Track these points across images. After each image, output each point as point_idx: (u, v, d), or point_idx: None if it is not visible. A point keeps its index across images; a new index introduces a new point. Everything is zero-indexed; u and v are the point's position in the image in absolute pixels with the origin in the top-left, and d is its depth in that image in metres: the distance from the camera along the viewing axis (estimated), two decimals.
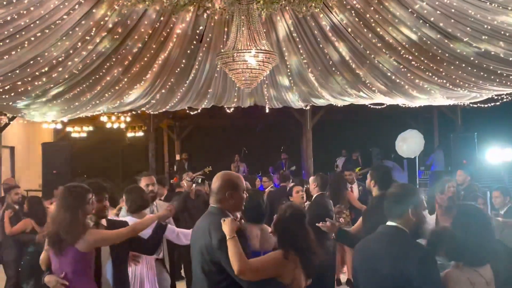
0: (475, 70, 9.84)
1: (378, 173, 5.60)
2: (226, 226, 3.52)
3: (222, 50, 8.79)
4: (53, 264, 4.27)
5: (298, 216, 3.79)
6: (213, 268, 3.59)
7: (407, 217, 3.39)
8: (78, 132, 19.62)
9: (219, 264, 3.55)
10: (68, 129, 19.18)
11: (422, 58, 9.88)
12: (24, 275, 7.42)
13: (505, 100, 12.82)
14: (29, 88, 9.69)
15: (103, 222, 4.67)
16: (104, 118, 17.98)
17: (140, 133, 20.05)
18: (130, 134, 20.29)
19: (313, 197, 7.60)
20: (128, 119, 18.30)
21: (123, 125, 18.92)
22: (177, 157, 19.67)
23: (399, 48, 9.71)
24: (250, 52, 8.60)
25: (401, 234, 3.39)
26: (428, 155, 18.32)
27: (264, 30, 9.59)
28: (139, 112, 14.86)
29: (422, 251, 3.27)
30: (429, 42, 9.19)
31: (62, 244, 4.15)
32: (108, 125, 18.38)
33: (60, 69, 9.42)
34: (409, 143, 14.09)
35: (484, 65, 9.47)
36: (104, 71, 10.09)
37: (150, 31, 9.57)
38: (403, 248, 3.31)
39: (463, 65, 9.67)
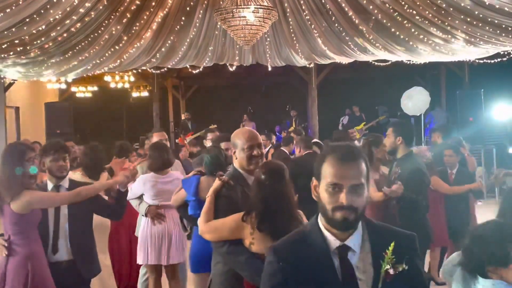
0: (480, 25, 9.63)
1: (403, 128, 5.34)
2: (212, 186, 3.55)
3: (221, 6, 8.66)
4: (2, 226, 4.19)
5: (263, 176, 3.41)
6: None
7: None
8: (83, 92, 19.53)
9: None
10: (73, 89, 19.10)
11: (427, 12, 9.67)
12: None
13: None
14: (28, 48, 9.61)
15: (65, 183, 4.45)
16: (108, 78, 17.87)
17: (145, 93, 19.94)
18: (135, 94, 20.20)
19: None
20: (132, 78, 18.18)
21: (127, 85, 18.82)
22: (183, 117, 19.63)
23: (403, 2, 9.52)
24: (249, 8, 8.47)
25: None
26: None
27: None
28: (139, 70, 14.73)
29: None
30: None
31: (1, 203, 4.04)
32: (112, 85, 18.29)
33: (58, 27, 9.31)
34: (415, 101, 13.93)
35: (489, 19, 9.25)
36: (102, 29, 9.95)
37: None
38: None
39: (469, 19, 9.46)
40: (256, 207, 3.33)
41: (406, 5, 9.54)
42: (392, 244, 2.08)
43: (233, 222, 3.39)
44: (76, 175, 5.58)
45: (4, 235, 4.11)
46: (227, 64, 13.89)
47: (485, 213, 10.58)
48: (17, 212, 4.00)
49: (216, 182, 3.53)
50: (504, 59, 12.66)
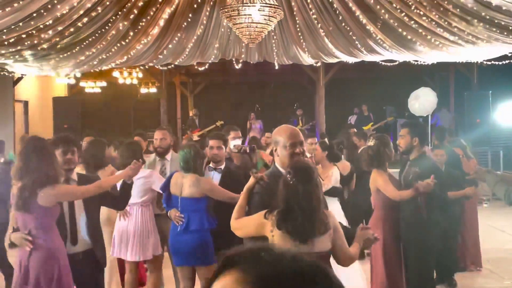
0: (487, 26, 9.58)
1: (420, 129, 5.37)
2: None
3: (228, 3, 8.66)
4: (18, 221, 4.18)
5: (289, 175, 3.36)
6: None
7: None
8: (92, 87, 19.60)
9: None
10: (82, 84, 19.17)
11: (434, 13, 9.63)
12: None
13: None
14: (35, 42, 9.66)
15: (74, 176, 4.55)
16: (116, 74, 17.92)
17: (153, 89, 19.97)
18: (143, 90, 20.24)
19: None
20: (140, 74, 18.22)
21: (135, 81, 18.86)
22: (190, 113, 19.69)
23: (410, 3, 9.48)
24: (255, 5, 8.47)
25: None
26: None
27: None
28: (146, 67, 14.78)
29: None
30: None
31: (26, 198, 4.03)
32: (121, 81, 18.34)
33: (66, 22, 9.36)
34: (421, 101, 13.87)
35: (496, 20, 9.19)
36: (110, 24, 10.00)
37: None
38: None
39: (475, 20, 9.41)
40: (278, 205, 3.33)
41: (413, 6, 9.50)
42: None
43: (257, 219, 3.43)
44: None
45: (20, 229, 4.12)
46: (234, 61, 13.89)
47: (490, 215, 10.59)
48: (44, 206, 4.03)
49: (251, 180, 3.58)
50: None
